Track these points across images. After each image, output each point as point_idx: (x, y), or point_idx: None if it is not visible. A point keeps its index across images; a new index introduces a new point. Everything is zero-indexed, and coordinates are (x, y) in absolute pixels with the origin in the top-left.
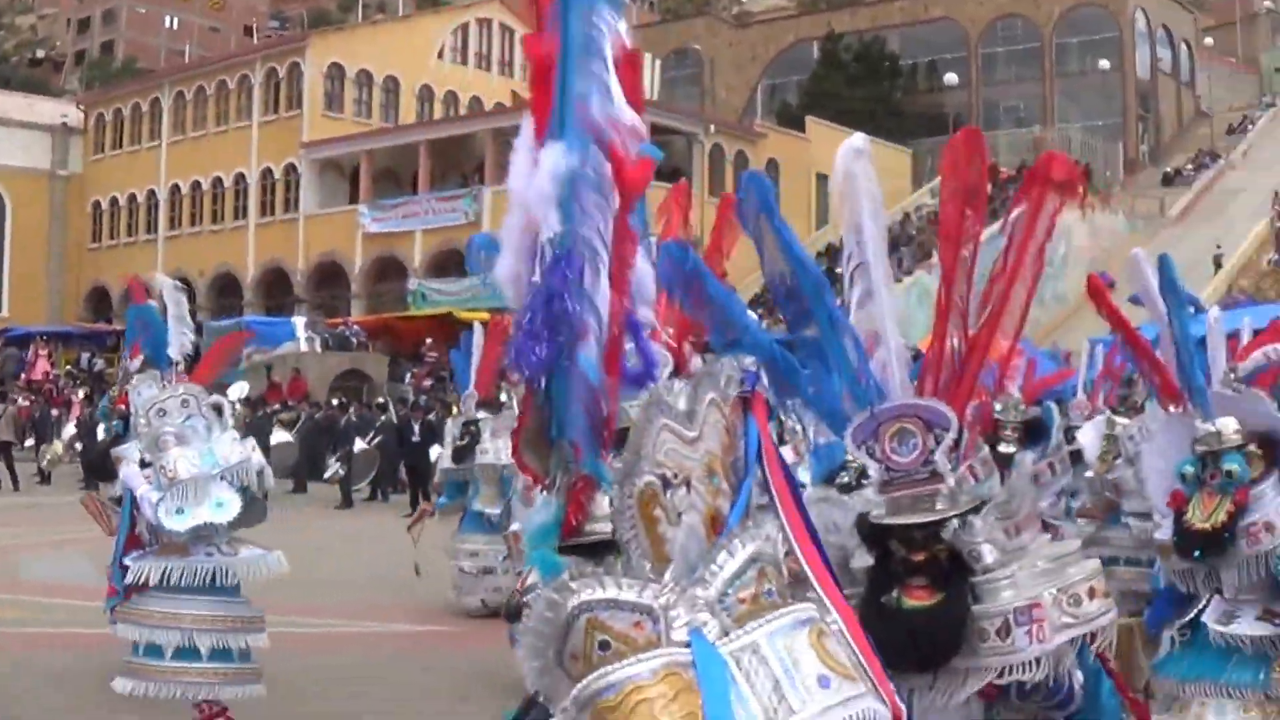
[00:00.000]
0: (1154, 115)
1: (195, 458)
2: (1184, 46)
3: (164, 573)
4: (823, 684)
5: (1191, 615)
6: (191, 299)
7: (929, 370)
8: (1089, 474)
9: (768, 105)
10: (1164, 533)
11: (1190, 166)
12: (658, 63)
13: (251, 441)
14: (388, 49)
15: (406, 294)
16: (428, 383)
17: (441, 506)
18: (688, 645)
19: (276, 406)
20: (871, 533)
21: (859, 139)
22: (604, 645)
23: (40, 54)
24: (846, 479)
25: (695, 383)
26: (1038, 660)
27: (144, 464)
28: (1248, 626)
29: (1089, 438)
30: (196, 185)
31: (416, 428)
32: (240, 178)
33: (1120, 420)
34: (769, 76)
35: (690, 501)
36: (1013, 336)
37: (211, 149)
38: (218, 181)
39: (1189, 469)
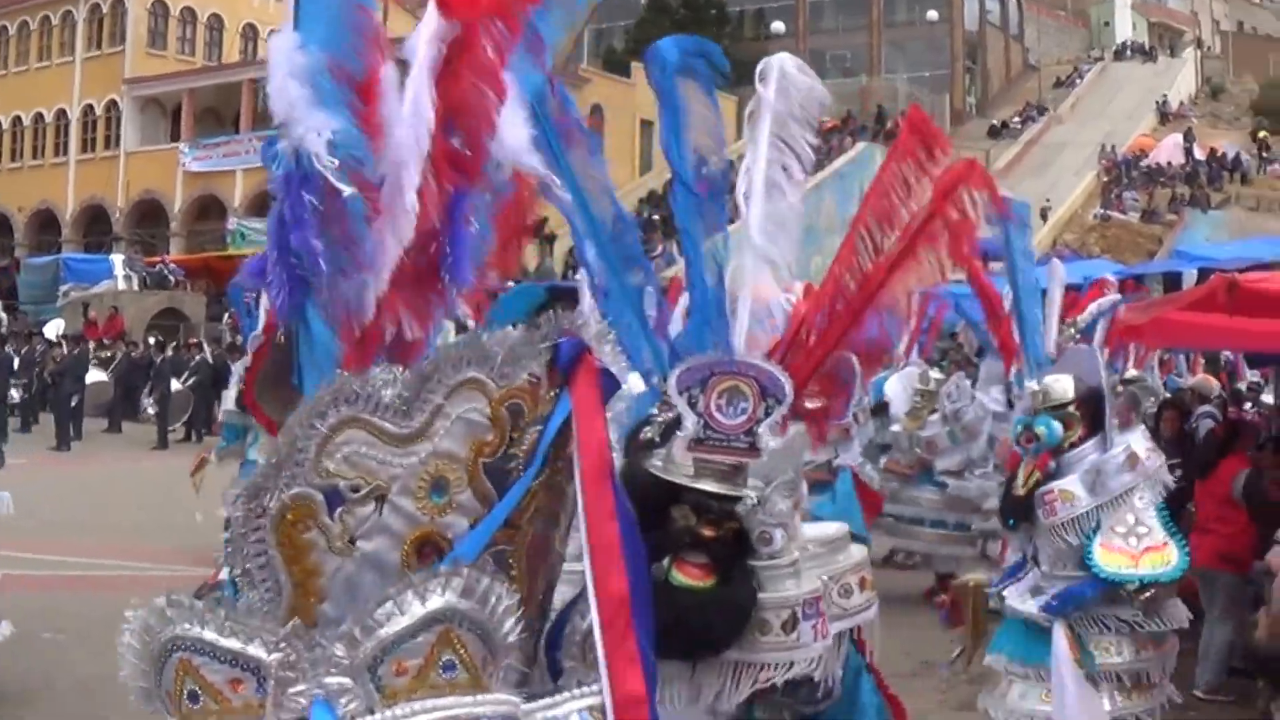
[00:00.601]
0: (981, 67)
1: None
2: None
3: None
4: None
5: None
6: (10, 235)
7: (782, 338)
8: (896, 428)
9: (594, 50)
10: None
11: (1017, 119)
12: None
13: None
14: None
15: (226, 233)
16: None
17: (220, 451)
18: None
19: (93, 344)
20: (656, 490)
21: (788, 59)
22: (193, 697)
23: None
24: (650, 434)
25: (428, 362)
26: (820, 657)
27: None
28: (1034, 604)
29: (896, 391)
30: (17, 120)
31: (233, 368)
32: (62, 113)
33: (935, 375)
34: (595, 21)
35: (382, 523)
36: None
37: (33, 84)
38: (39, 117)
39: (1018, 429)
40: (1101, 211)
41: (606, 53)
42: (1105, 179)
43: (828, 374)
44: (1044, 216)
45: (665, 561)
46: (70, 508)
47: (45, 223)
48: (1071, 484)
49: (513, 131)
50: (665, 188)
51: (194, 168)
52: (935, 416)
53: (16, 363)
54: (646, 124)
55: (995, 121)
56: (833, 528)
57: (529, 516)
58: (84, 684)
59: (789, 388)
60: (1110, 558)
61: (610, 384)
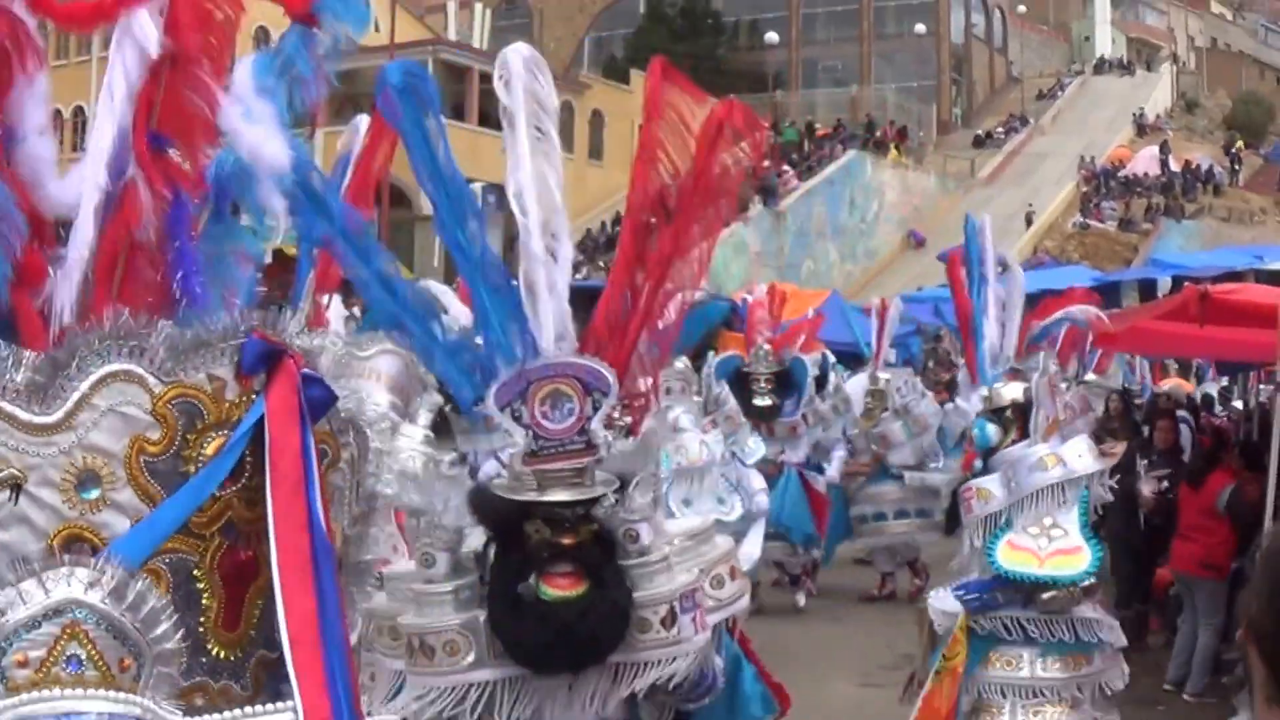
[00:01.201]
0: (967, 79)
1: None
2: (997, 13)
3: None
4: None
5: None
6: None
7: (592, 328)
8: (853, 431)
9: (594, 57)
10: None
11: (1001, 129)
12: (488, 12)
13: None
14: None
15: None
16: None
17: None
18: None
19: None
20: (507, 509)
21: (524, 48)
22: None
23: None
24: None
25: (65, 349)
26: (701, 650)
27: None
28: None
29: (855, 391)
30: (79, 110)
31: None
32: (79, 110)
33: (883, 375)
34: (596, 29)
35: (19, 513)
36: (688, 289)
37: (56, 81)
38: (55, 114)
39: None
40: (1081, 220)
41: (606, 60)
42: (1084, 188)
43: (643, 358)
44: (1029, 221)
45: (532, 579)
46: None
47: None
48: (990, 482)
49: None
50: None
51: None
52: (888, 414)
53: None
54: None
55: (980, 131)
56: (697, 520)
57: (218, 527)
58: None
59: (612, 378)
60: (1013, 555)
61: (322, 393)
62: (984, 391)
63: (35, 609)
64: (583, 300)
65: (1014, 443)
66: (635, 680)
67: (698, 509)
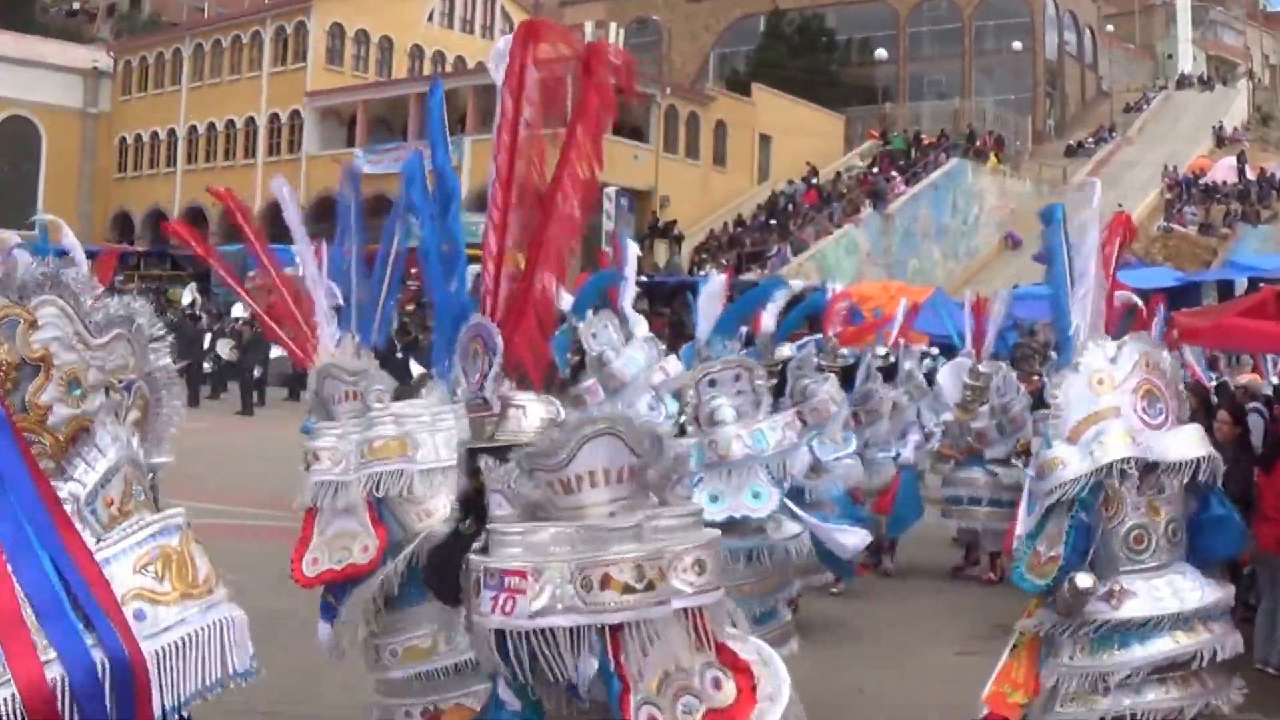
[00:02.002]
0: (1060, 92)
1: None
2: (1088, 32)
3: None
4: (138, 616)
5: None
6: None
7: (489, 291)
8: (947, 417)
9: (718, 72)
10: None
11: (1091, 140)
12: (621, 31)
13: None
14: (384, 12)
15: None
16: (410, 307)
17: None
18: None
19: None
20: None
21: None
22: None
23: (75, 5)
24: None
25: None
26: (501, 634)
27: None
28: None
29: (948, 381)
30: (212, 126)
31: (399, 348)
32: (250, 121)
33: (984, 369)
34: (720, 46)
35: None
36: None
37: (226, 95)
38: (230, 124)
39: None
40: (1164, 224)
41: (730, 74)
42: (1168, 195)
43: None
44: None
45: (468, 521)
46: (249, 465)
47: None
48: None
49: None
50: (780, 195)
51: (367, 170)
52: (985, 409)
53: (209, 339)
54: (765, 138)
55: (1072, 142)
56: (620, 521)
57: None
58: (263, 618)
59: (498, 338)
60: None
61: None
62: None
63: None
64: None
65: None
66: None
67: (726, 506)
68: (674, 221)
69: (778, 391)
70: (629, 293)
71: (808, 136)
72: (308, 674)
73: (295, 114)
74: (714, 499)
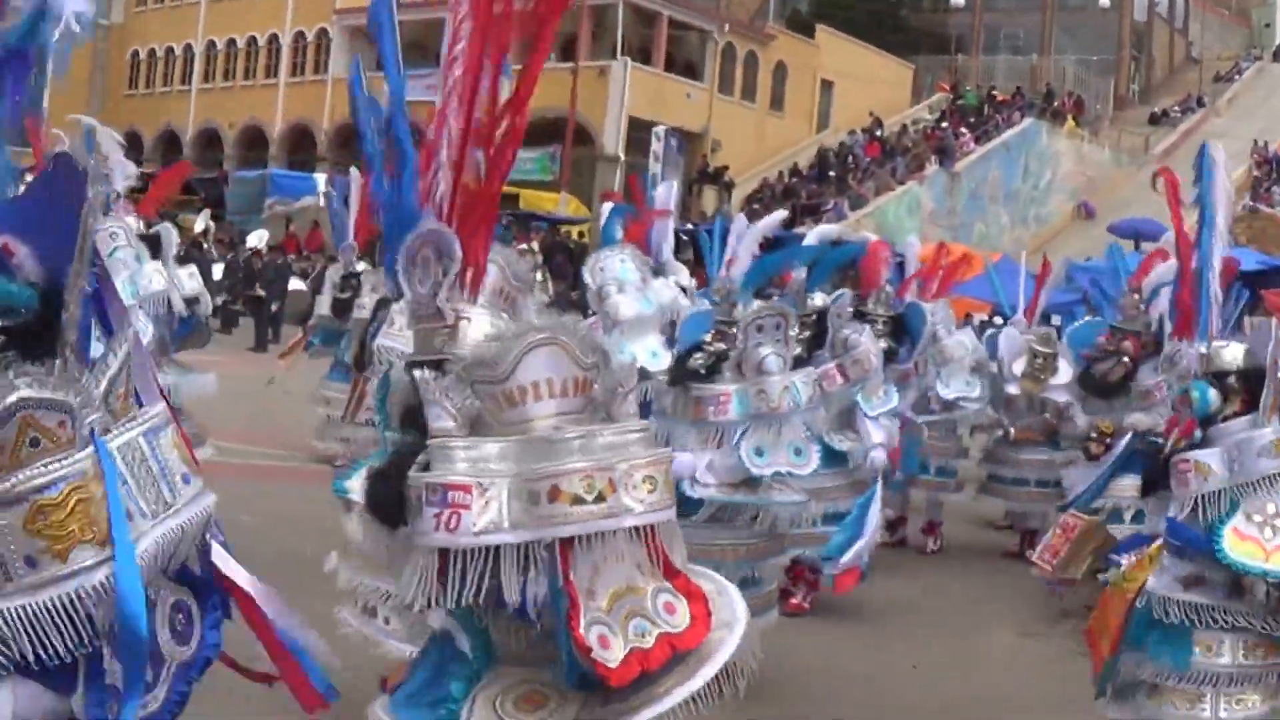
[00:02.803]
0: (1146, 56)
1: (118, 287)
2: None
3: None
4: (185, 480)
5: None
6: (220, 149)
7: (448, 195)
8: (1013, 390)
9: (779, 10)
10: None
11: (1177, 109)
12: None
13: (189, 269)
14: None
15: None
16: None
17: (312, 347)
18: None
19: (293, 256)
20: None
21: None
22: (34, 442)
23: None
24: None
25: None
26: (445, 554)
27: None
28: (1156, 583)
29: (1008, 350)
30: (232, 42)
31: (327, 274)
32: (274, 38)
33: (1029, 335)
34: None
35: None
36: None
37: (248, 9)
38: (252, 40)
39: (1176, 392)
40: (1250, 203)
41: (791, 14)
42: (1256, 173)
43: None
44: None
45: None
46: (261, 403)
47: (253, 140)
48: (1210, 457)
49: None
50: (840, 146)
51: None
52: (1058, 380)
53: (221, 268)
54: (826, 84)
55: (1156, 109)
56: (567, 432)
57: None
58: (280, 561)
59: (456, 246)
60: (1240, 545)
61: None
62: (1202, 348)
63: (121, 360)
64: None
65: (1235, 415)
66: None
67: (771, 460)
68: (725, 167)
69: (815, 343)
70: (666, 232)
71: (873, 84)
72: (325, 619)
73: (322, 33)
74: (759, 452)
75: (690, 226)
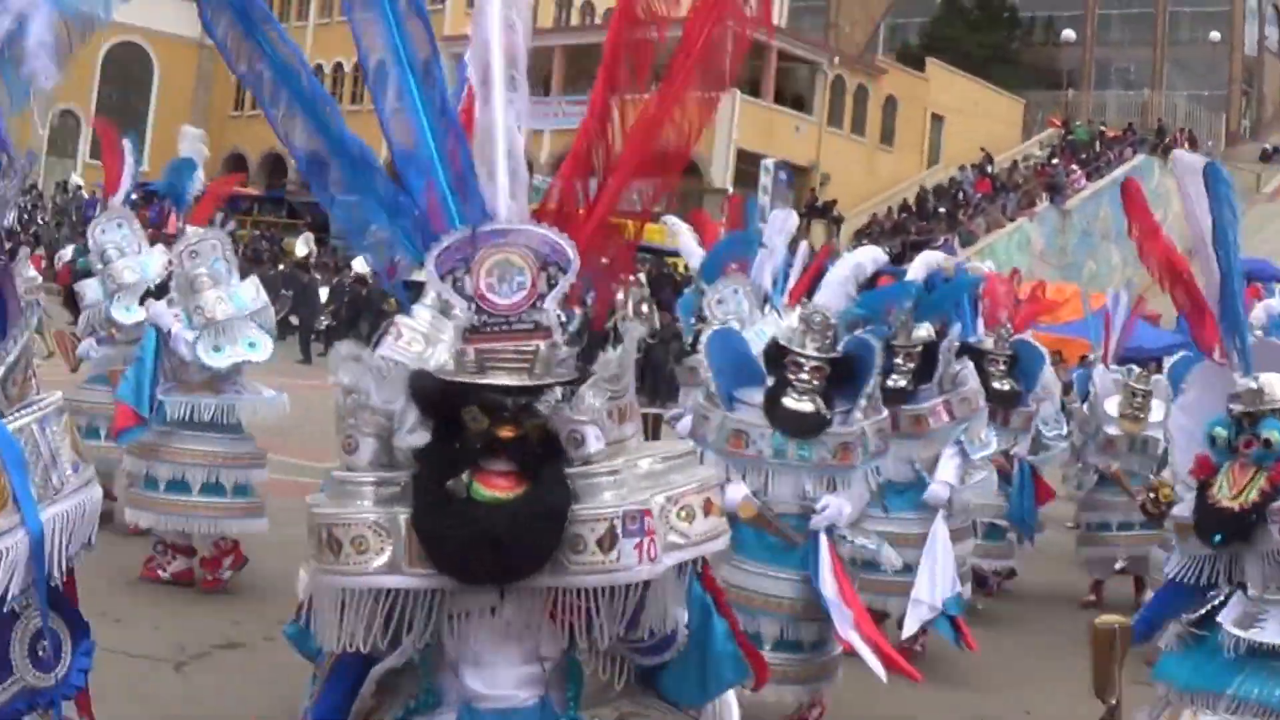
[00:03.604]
0: (1257, 91)
1: (226, 300)
2: None
3: (193, 410)
4: (74, 469)
5: (1205, 611)
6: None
7: (551, 192)
8: (1112, 431)
9: (889, 43)
10: (1184, 508)
11: None
12: None
13: (253, 280)
14: None
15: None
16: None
17: None
18: None
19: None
20: (446, 394)
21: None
22: None
23: None
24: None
25: None
26: (645, 585)
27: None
28: (1275, 633)
29: (1102, 389)
30: (339, 67)
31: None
32: (380, 65)
33: (1158, 376)
34: (892, 15)
35: None
36: (678, 158)
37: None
38: (360, 65)
39: (1220, 431)
40: None
41: (901, 46)
42: None
43: (610, 232)
44: None
45: (465, 475)
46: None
47: None
48: None
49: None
50: (951, 182)
51: None
52: (1155, 418)
53: (325, 293)
54: (937, 118)
55: (1267, 145)
56: (677, 445)
57: None
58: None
59: (573, 253)
60: None
61: None
62: (1250, 383)
63: (19, 349)
64: None
65: None
66: (569, 611)
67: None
68: (834, 201)
69: (920, 376)
70: (768, 267)
71: (983, 119)
72: None
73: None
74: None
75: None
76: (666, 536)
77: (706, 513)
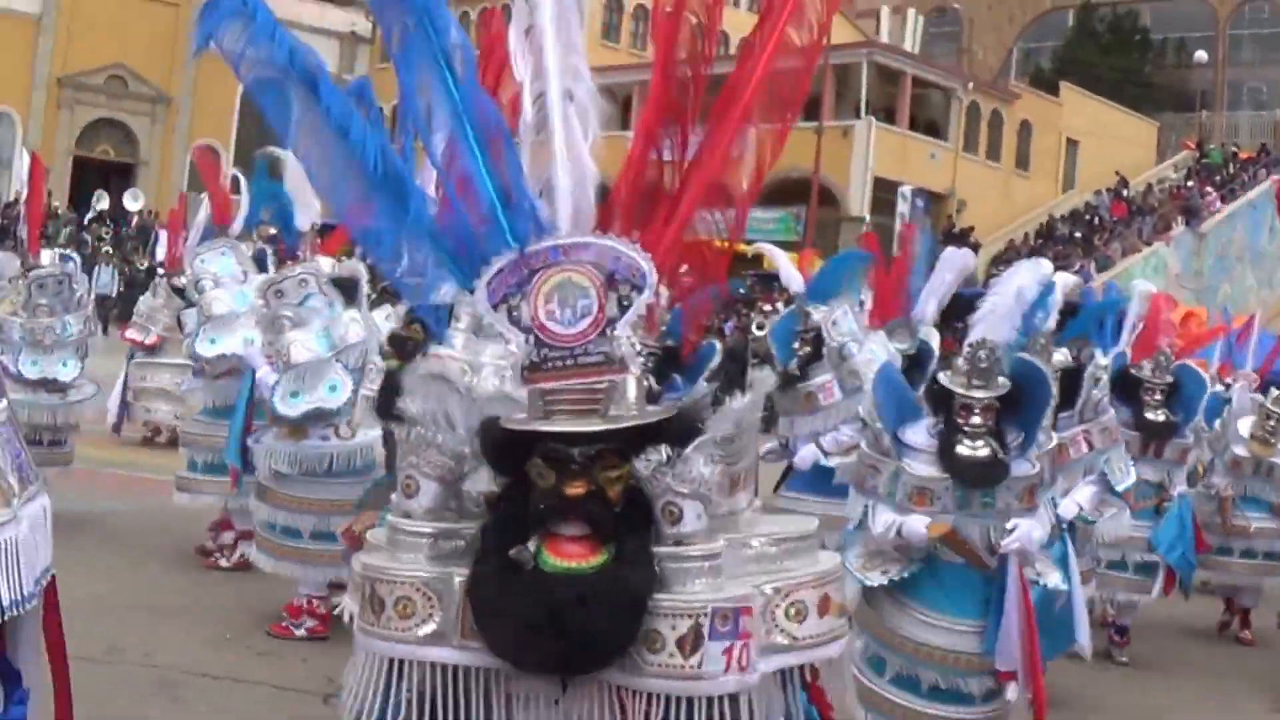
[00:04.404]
0: None
1: (311, 340)
2: None
3: (293, 458)
4: (29, 479)
5: None
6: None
7: (616, 199)
8: (1240, 451)
9: (1021, 67)
10: None
11: None
12: (920, 18)
13: (385, 311)
14: None
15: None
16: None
17: None
18: None
19: None
20: (504, 445)
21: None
22: None
23: None
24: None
25: None
26: (734, 698)
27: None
28: None
29: (1238, 408)
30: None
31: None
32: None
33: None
34: (1025, 40)
35: None
36: (758, 166)
37: None
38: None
39: None
40: None
41: (1035, 71)
42: None
43: (693, 246)
44: None
45: (533, 542)
46: None
47: None
48: None
49: None
50: (1086, 206)
51: None
52: None
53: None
54: (1072, 143)
55: None
56: (798, 523)
57: None
58: None
59: (648, 267)
60: None
61: None
62: None
63: None
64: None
65: None
66: (640, 717)
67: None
68: (971, 228)
69: (1063, 403)
70: (933, 301)
71: (1117, 143)
72: None
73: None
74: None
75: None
76: (770, 636)
77: (823, 612)
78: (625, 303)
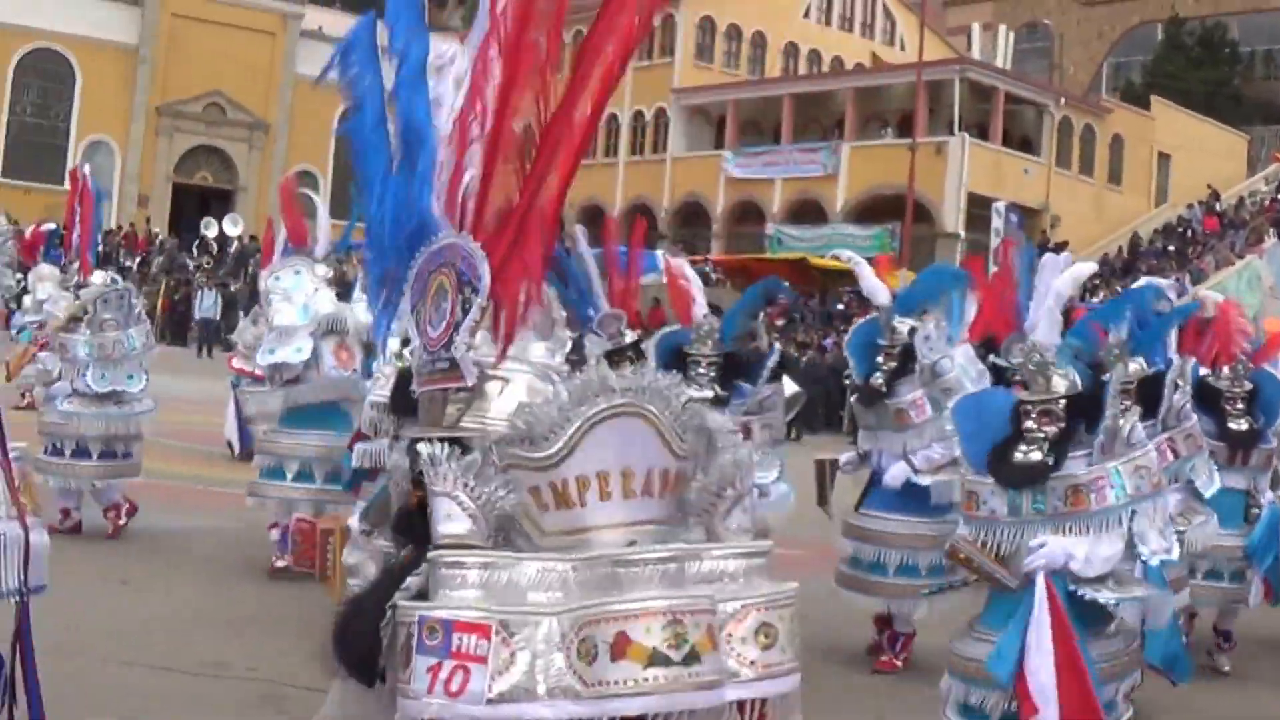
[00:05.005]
0: None
1: (291, 311)
2: None
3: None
4: None
5: None
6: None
7: (476, 201)
8: None
9: (1112, 82)
10: None
11: None
12: (1010, 35)
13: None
14: (757, 6)
15: (764, 237)
16: (780, 321)
17: None
18: None
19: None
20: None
21: None
22: None
23: None
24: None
25: None
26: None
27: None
28: None
29: None
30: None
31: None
32: (613, 118)
33: None
34: (1115, 55)
35: None
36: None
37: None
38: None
39: None
40: None
41: (1125, 85)
42: None
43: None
44: None
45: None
46: None
47: (593, 217)
48: None
49: None
50: (1179, 220)
51: (736, 174)
52: None
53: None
54: (1164, 157)
55: None
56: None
57: None
58: None
59: (484, 268)
60: None
61: None
62: None
63: None
64: None
65: None
66: None
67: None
68: (1065, 243)
69: (1146, 411)
70: (1047, 318)
71: (1209, 156)
72: None
73: (660, 112)
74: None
75: None
76: (561, 681)
77: (617, 655)
78: (465, 305)
